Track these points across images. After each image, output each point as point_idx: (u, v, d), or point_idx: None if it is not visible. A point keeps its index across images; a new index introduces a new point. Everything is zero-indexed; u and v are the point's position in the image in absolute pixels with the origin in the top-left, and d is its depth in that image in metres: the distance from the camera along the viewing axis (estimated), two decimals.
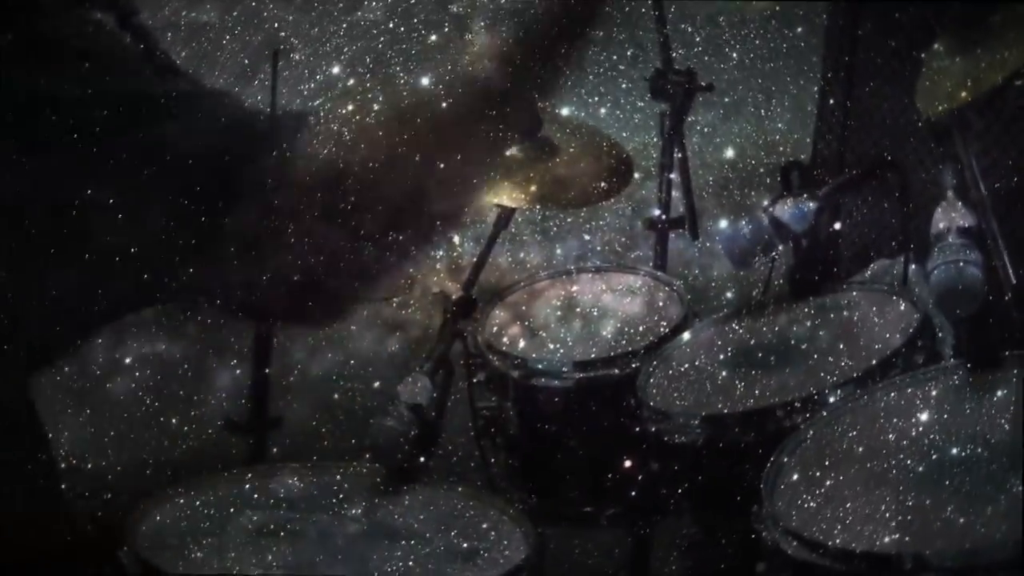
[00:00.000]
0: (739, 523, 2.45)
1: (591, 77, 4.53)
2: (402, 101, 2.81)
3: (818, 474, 2.40)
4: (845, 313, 2.98)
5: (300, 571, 2.48)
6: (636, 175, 3.67)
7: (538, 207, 4.00)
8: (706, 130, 4.38)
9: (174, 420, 3.76)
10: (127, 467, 3.51)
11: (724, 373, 2.92)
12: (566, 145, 3.54)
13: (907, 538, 2.16)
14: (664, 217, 3.69)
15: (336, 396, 3.98)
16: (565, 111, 4.34)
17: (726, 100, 4.38)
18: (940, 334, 2.81)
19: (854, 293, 3.05)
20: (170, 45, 3.05)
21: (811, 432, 2.53)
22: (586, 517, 3.22)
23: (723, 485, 2.71)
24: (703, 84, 3.67)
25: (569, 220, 4.54)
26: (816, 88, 3.84)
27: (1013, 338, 2.56)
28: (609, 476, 3.10)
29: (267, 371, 3.43)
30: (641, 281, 3.45)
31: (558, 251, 4.51)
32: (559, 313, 3.38)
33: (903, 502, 2.24)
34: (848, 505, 2.28)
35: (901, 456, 2.37)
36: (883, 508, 2.24)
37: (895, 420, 2.48)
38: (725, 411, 2.76)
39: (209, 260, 2.78)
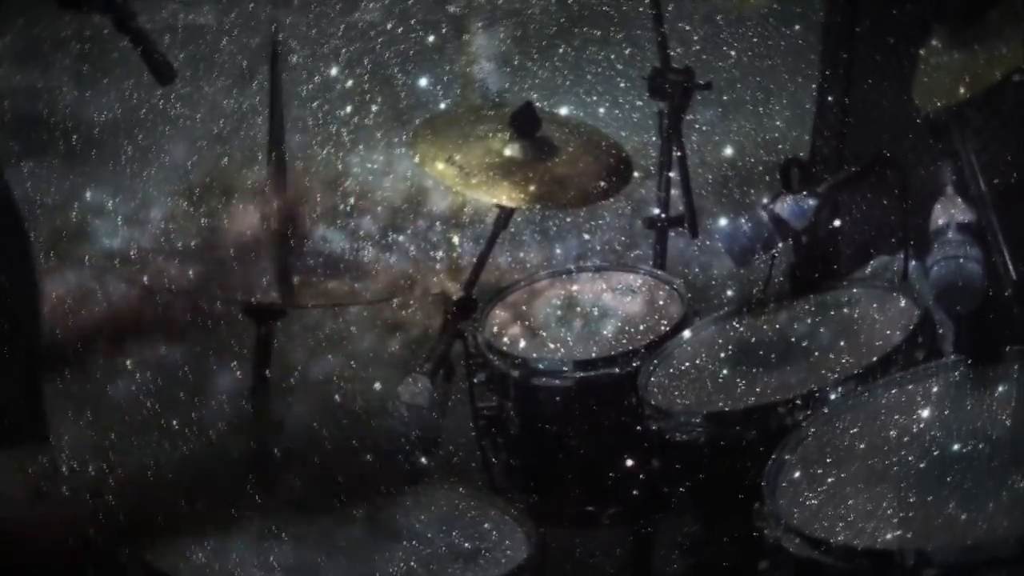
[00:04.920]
0: (741, 521, 2.44)
1: (589, 76, 4.52)
2: None
3: (820, 471, 2.40)
4: (845, 310, 2.98)
5: (302, 573, 2.48)
6: (635, 174, 3.67)
7: (538, 207, 4.00)
8: (705, 128, 4.37)
9: (175, 423, 3.76)
10: (128, 470, 3.50)
11: (725, 371, 2.92)
12: (565, 145, 3.54)
13: (909, 534, 2.16)
14: (664, 216, 3.69)
15: (337, 397, 3.97)
16: (564, 110, 4.35)
17: (724, 98, 4.37)
18: (940, 330, 2.81)
19: (854, 290, 3.05)
20: (168, 48, 3.04)
21: (812, 429, 2.53)
22: (588, 516, 3.22)
23: (725, 483, 2.71)
24: (701, 82, 3.67)
25: (569, 220, 4.53)
26: (814, 85, 3.84)
27: (1014, 334, 2.56)
28: (610, 475, 3.10)
29: (267, 373, 3.43)
30: (641, 280, 3.46)
31: (558, 251, 4.50)
32: (559, 312, 3.38)
33: (905, 498, 2.24)
34: (850, 502, 2.28)
35: (902, 452, 2.37)
36: (885, 505, 2.24)
37: (896, 417, 2.48)
38: (726, 409, 2.76)
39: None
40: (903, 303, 2.88)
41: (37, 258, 3.31)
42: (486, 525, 2.66)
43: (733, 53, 4.38)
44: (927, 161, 3.22)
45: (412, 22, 4.51)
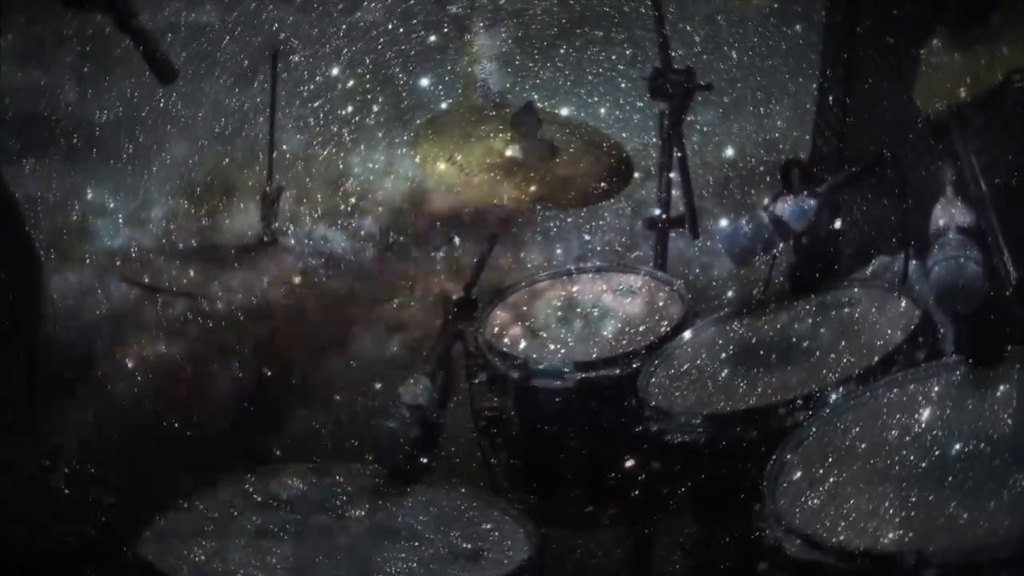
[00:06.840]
0: (741, 522, 2.44)
1: (590, 77, 4.54)
2: None
3: (820, 472, 2.40)
4: (846, 310, 2.98)
5: (302, 572, 2.48)
6: (636, 175, 3.68)
7: (538, 207, 4.00)
8: (705, 129, 4.38)
9: (176, 423, 3.76)
10: (129, 470, 3.50)
11: (725, 372, 2.92)
12: (566, 145, 3.54)
13: (910, 535, 2.16)
14: (664, 216, 3.68)
15: (337, 397, 3.98)
16: (565, 111, 4.36)
17: (725, 99, 4.38)
18: (941, 331, 2.81)
19: (855, 290, 3.05)
20: (170, 47, 3.05)
21: (813, 430, 2.53)
22: (588, 517, 3.22)
23: (725, 484, 2.71)
24: (702, 83, 3.66)
25: (569, 220, 4.54)
26: (815, 86, 3.85)
27: (1014, 334, 2.56)
28: (611, 476, 3.10)
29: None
30: (641, 281, 3.45)
31: (558, 251, 4.51)
32: (560, 313, 3.38)
33: (906, 499, 2.24)
34: (851, 502, 2.28)
35: (903, 453, 2.37)
36: (886, 505, 2.24)
37: (897, 417, 2.48)
38: (727, 410, 2.76)
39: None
40: (903, 304, 2.88)
41: (43, 258, 3.32)
42: (487, 526, 2.66)
43: (734, 54, 4.39)
44: (928, 162, 3.22)
45: (414, 22, 4.53)
